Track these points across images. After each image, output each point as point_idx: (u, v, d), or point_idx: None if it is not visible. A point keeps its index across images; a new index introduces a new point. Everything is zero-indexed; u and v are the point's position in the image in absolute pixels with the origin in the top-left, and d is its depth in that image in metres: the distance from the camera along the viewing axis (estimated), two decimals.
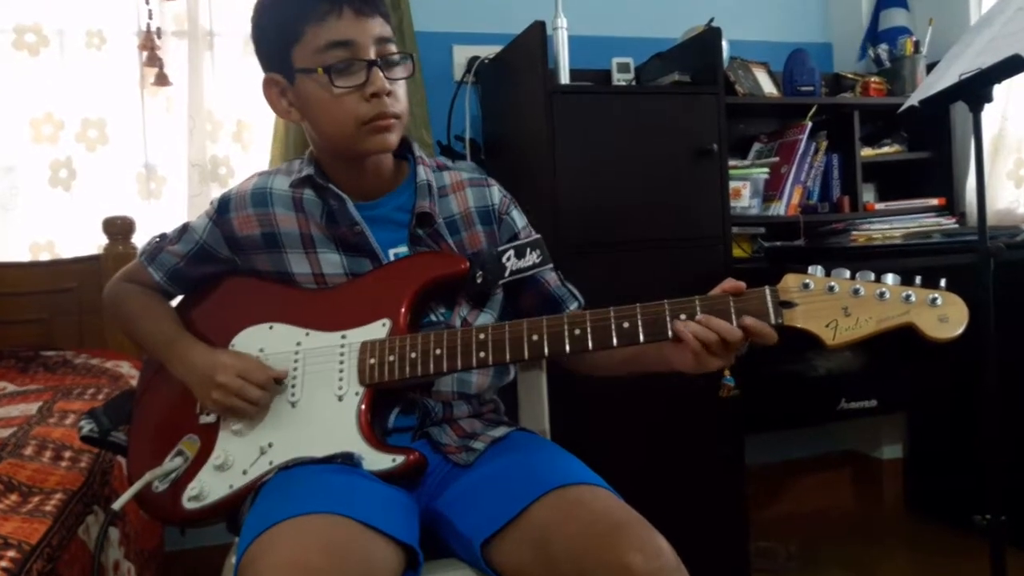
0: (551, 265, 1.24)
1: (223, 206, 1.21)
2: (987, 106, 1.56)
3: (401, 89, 1.13)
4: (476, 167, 1.28)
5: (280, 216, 1.18)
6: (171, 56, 2.28)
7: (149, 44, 2.25)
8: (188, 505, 1.09)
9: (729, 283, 1.01)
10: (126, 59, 2.27)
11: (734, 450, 2.13)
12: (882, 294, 0.94)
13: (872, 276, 0.97)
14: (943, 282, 0.95)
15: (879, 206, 2.58)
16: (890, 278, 0.96)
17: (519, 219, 1.26)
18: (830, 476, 2.80)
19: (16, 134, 2.20)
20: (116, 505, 1.12)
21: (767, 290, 0.98)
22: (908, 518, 2.68)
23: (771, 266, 2.35)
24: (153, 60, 2.25)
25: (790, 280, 0.98)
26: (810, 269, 0.98)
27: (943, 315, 0.93)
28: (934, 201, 2.55)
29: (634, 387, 1.82)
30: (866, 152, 2.62)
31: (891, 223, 2.38)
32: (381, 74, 1.09)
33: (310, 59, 1.09)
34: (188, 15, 2.26)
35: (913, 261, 2.18)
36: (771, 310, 0.97)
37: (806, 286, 0.97)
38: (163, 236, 1.27)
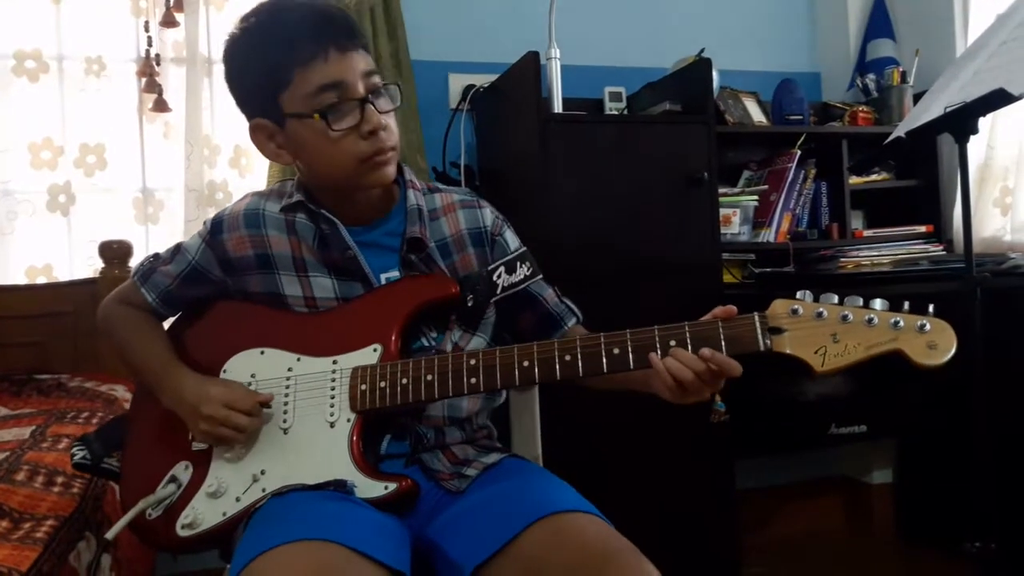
0: (541, 276, 1.25)
1: (216, 227, 1.21)
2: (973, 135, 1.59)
3: (392, 120, 1.14)
4: (469, 191, 1.29)
5: (273, 238, 1.18)
6: (170, 82, 2.31)
7: (148, 70, 2.28)
8: (182, 533, 1.09)
9: (720, 309, 1.01)
10: (125, 85, 2.30)
11: (725, 475, 2.14)
12: (870, 320, 0.94)
13: (860, 302, 0.96)
14: (931, 308, 0.94)
15: (867, 233, 2.61)
16: (878, 303, 0.95)
17: (512, 240, 1.26)
18: (820, 501, 2.80)
19: (15, 159, 2.22)
20: (110, 535, 1.13)
21: (756, 316, 0.98)
22: (898, 544, 2.68)
23: (762, 292, 2.37)
24: (152, 86, 2.28)
25: (778, 306, 0.97)
26: (798, 294, 0.97)
27: (931, 342, 0.92)
28: (922, 228, 2.58)
29: (626, 414, 1.85)
30: (854, 180, 2.65)
31: (879, 250, 2.42)
32: (374, 109, 1.10)
33: (302, 104, 1.09)
34: (187, 42, 2.29)
35: (901, 288, 2.20)
36: (759, 336, 0.97)
37: (794, 312, 0.96)
38: (156, 256, 1.27)
